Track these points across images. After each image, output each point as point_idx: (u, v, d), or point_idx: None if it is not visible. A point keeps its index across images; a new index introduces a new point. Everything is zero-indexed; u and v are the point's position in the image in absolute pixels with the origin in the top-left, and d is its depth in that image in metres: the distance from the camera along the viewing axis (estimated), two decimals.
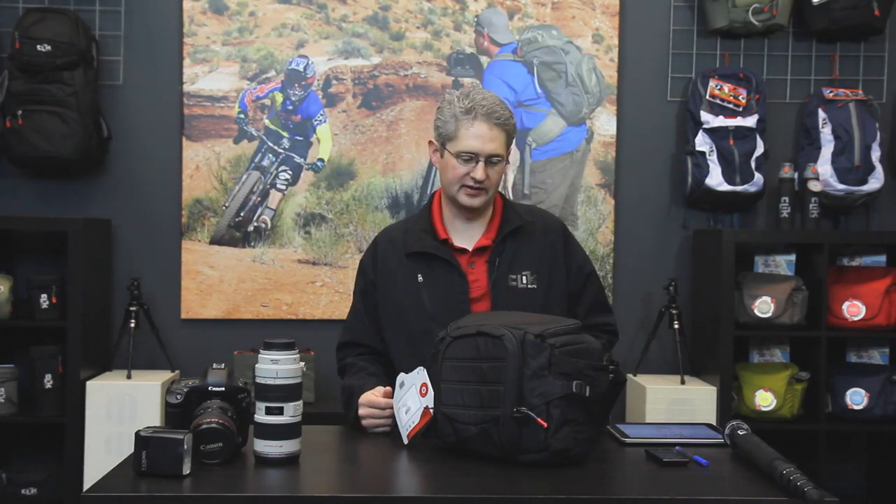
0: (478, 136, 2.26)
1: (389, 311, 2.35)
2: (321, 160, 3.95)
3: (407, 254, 2.34)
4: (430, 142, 2.39)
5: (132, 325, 3.68)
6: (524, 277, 2.32)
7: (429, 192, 3.91)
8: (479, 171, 2.27)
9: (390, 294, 2.35)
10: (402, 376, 2.09)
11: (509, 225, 2.35)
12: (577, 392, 1.82)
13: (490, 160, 2.28)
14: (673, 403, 3.63)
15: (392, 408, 2.10)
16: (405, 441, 1.98)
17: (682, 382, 3.69)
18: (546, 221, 2.43)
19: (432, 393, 1.95)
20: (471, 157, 2.27)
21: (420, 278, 2.31)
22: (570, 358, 1.84)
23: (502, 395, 1.82)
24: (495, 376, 1.84)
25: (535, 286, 2.32)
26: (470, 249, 2.34)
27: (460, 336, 1.93)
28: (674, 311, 3.77)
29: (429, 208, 2.42)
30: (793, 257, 3.86)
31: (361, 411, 2.16)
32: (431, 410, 1.94)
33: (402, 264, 2.34)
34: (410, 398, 2.01)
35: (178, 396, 1.85)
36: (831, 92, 3.89)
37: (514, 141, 2.37)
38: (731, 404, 3.66)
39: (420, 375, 2.02)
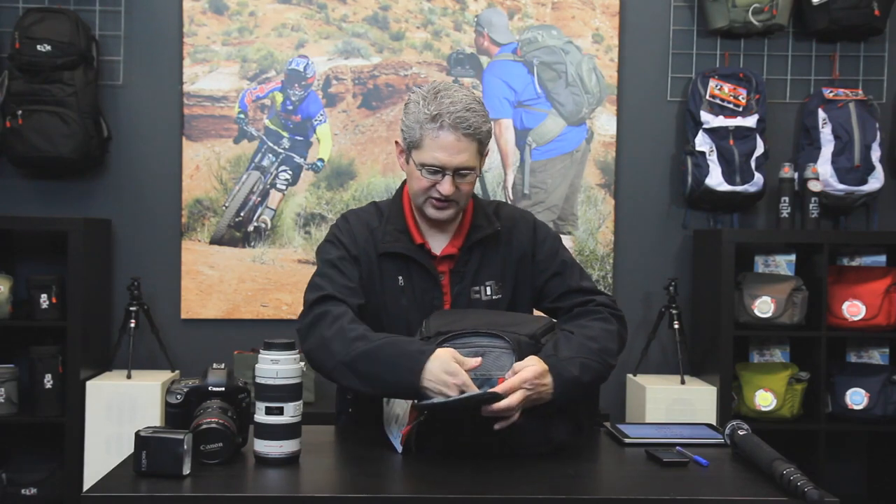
0: (444, 147, 2.01)
1: (367, 302, 2.10)
2: (321, 160, 3.95)
3: (384, 253, 2.12)
4: (397, 142, 2.14)
5: (132, 325, 3.68)
6: (488, 288, 2.14)
7: None
8: (445, 186, 2.04)
9: (369, 285, 2.11)
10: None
11: (478, 233, 2.14)
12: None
13: (459, 173, 2.04)
14: (673, 403, 3.63)
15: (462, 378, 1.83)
16: (399, 450, 1.90)
17: (682, 382, 3.69)
18: (514, 222, 2.20)
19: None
20: (437, 171, 2.03)
21: (401, 281, 2.11)
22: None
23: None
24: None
25: (500, 296, 2.14)
26: (438, 255, 2.14)
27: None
28: (674, 311, 3.77)
29: (400, 206, 2.17)
30: (793, 257, 3.86)
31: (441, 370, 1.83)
32: (416, 404, 1.86)
33: (382, 259, 2.12)
34: (398, 405, 1.96)
35: (178, 396, 1.85)
36: (831, 92, 3.89)
37: (486, 149, 2.10)
38: (731, 404, 3.66)
39: None
